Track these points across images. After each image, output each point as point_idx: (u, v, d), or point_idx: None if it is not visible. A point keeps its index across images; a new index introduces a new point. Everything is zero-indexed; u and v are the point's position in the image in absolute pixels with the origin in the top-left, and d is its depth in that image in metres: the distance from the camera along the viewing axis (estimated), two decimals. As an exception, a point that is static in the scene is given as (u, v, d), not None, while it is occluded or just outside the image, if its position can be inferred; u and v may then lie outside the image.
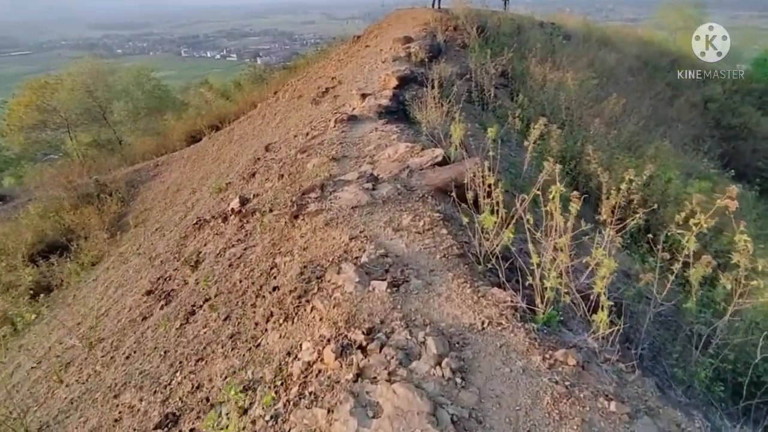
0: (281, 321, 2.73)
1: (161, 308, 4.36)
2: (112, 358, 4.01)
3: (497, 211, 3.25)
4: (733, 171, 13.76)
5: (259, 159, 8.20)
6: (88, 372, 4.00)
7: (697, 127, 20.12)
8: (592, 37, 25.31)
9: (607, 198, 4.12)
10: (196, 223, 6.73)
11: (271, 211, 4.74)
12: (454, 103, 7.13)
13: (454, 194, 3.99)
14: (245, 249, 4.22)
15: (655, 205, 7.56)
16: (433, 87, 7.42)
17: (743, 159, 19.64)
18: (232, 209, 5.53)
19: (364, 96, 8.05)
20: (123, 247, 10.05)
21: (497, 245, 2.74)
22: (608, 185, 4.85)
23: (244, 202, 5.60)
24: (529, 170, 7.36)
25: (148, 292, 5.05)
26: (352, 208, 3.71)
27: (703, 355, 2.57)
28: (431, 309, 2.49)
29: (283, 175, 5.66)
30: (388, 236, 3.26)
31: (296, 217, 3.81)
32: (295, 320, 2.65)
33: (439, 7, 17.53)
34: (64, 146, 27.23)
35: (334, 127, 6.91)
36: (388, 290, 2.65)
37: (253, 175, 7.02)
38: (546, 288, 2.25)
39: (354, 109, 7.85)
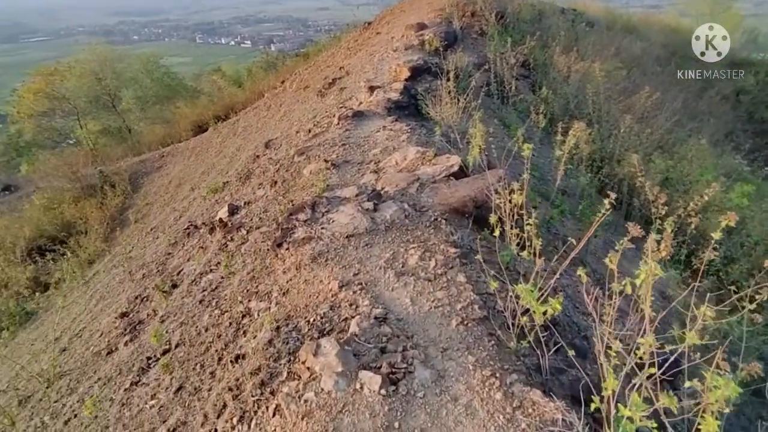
0: (235, 421, 2.09)
1: (125, 344, 3.79)
2: (62, 406, 3.46)
3: (532, 250, 2.57)
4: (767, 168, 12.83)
5: (258, 157, 7.59)
6: (35, 423, 3.46)
7: (728, 122, 18.93)
8: (616, 24, 24.13)
9: (661, 226, 3.41)
10: (187, 229, 6.17)
11: (258, 228, 4.11)
12: (472, 98, 6.40)
13: (473, 217, 3.32)
14: (222, 279, 3.61)
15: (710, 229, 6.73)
16: (448, 79, 6.70)
17: (778, 155, 18.42)
18: (220, 219, 4.92)
19: (372, 89, 7.35)
20: (119, 247, 9.58)
21: (536, 316, 2.02)
22: (658, 208, 4.08)
23: (233, 211, 4.98)
24: (554, 175, 6.63)
25: (122, 315, 4.49)
26: (347, 237, 3.05)
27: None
28: (444, 429, 1.80)
29: (276, 182, 5.02)
30: (389, 284, 2.58)
31: (280, 245, 3.17)
32: (252, 425, 2.01)
33: None
34: (74, 134, 26.95)
35: (338, 124, 6.24)
36: (383, 391, 1.95)
37: (249, 177, 6.40)
38: (622, 418, 1.55)
39: (361, 103, 7.16)
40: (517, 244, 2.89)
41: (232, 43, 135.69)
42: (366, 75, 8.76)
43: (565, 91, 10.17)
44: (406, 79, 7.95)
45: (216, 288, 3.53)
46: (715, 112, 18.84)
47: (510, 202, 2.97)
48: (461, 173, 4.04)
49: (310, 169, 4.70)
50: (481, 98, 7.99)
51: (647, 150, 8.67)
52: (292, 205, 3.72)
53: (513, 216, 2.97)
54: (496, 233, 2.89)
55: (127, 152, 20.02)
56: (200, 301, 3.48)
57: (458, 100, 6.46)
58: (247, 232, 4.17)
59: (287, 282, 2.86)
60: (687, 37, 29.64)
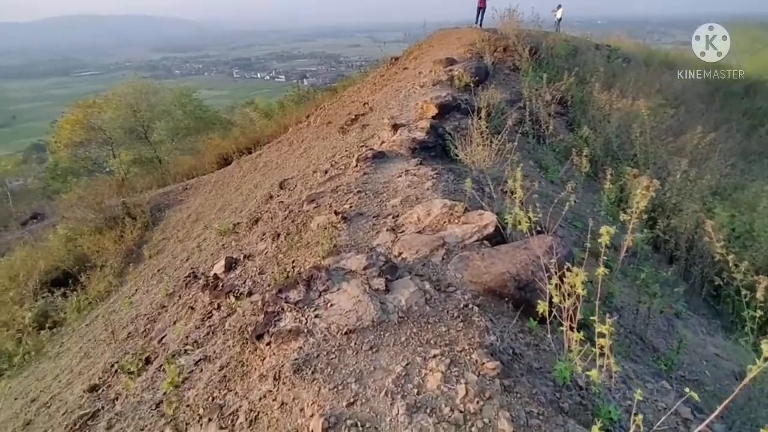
0: None
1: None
2: None
3: (602, 364, 1.80)
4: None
5: (271, 197, 7.07)
6: None
7: (781, 161, 17.49)
8: (654, 60, 23.31)
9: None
10: (187, 277, 5.58)
11: (249, 295, 3.46)
12: (507, 139, 5.70)
13: (514, 302, 2.56)
14: (192, 369, 2.92)
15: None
16: (479, 117, 6.06)
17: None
18: (215, 275, 4.30)
19: (396, 127, 6.75)
20: (126, 287, 9.13)
21: None
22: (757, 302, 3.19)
23: (230, 266, 4.36)
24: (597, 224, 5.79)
25: (91, 389, 3.87)
26: (345, 333, 2.32)
27: None
28: None
29: (279, 235, 4.39)
30: (396, 427, 1.81)
31: (261, 336, 2.47)
32: None
33: (481, 26, 16.22)
34: (107, 163, 27.55)
35: (356, 166, 5.63)
36: None
37: (257, 221, 5.82)
38: None
39: (383, 143, 6.57)
40: (580, 351, 2.09)
41: (267, 77, 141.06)
42: (390, 112, 8.22)
43: (606, 130, 9.35)
44: (433, 117, 7.36)
45: (182, 383, 2.84)
46: (766, 152, 17.49)
47: (568, 294, 2.20)
48: (497, 236, 3.29)
49: (318, 222, 4.05)
50: (516, 138, 7.29)
51: (704, 197, 7.71)
52: (287, 274, 3.03)
53: (572, 312, 2.18)
54: (550, 337, 2.11)
55: (153, 183, 20.07)
56: (157, 405, 2.78)
57: (491, 141, 5.78)
58: (237, 298, 3.51)
59: (260, 400, 2.13)
60: (729, 73, 28.37)
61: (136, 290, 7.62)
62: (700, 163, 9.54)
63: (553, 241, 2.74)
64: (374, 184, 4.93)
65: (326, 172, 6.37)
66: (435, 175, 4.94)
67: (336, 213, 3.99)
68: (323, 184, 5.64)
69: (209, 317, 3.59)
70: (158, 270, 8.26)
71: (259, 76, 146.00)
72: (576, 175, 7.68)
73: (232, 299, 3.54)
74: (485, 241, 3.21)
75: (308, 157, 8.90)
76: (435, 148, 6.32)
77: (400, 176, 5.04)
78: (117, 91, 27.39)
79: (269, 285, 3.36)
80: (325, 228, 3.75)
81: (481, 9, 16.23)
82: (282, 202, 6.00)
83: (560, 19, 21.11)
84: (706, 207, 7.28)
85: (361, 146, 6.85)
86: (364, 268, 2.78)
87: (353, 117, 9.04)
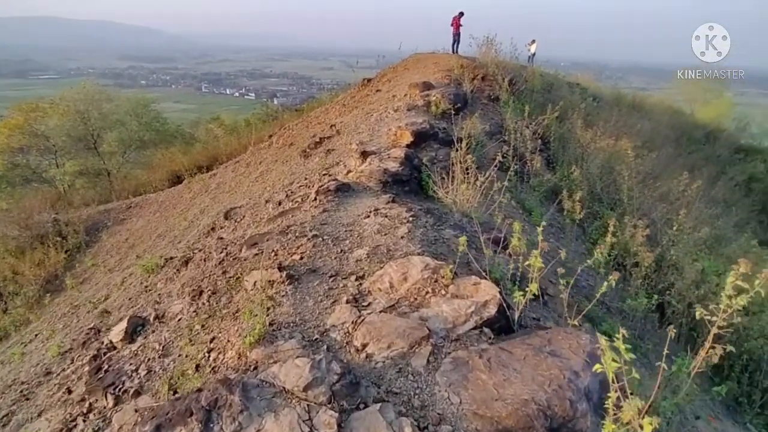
0: None
1: None
2: None
3: None
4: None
5: (212, 230, 5.94)
6: None
7: (744, 211, 17.70)
8: (623, 102, 23.71)
9: None
10: (91, 330, 4.33)
11: (137, 394, 2.34)
12: (494, 177, 4.84)
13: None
14: None
15: None
16: (459, 148, 5.25)
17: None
18: (110, 344, 3.13)
19: (365, 154, 5.82)
20: (30, 327, 7.65)
21: None
22: None
23: (132, 331, 3.20)
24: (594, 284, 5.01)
25: None
26: None
27: None
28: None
29: (203, 292, 3.29)
30: None
31: None
32: None
33: (457, 53, 15.81)
34: (47, 173, 25.23)
35: (315, 200, 4.62)
36: None
37: (188, 262, 4.65)
38: None
39: (349, 172, 5.60)
40: None
41: (237, 94, 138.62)
42: (360, 136, 7.29)
43: (590, 171, 8.74)
44: (407, 146, 6.49)
45: None
46: (730, 201, 17.67)
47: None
48: (501, 319, 2.33)
49: (255, 280, 2.99)
50: (498, 174, 6.46)
51: (691, 250, 7.07)
52: (196, 368, 1.92)
53: None
54: None
55: (95, 198, 18.24)
56: None
57: (476, 177, 4.91)
58: (116, 400, 2.38)
59: None
60: (690, 119, 29.44)
61: (36, 335, 6.21)
62: (685, 212, 9.04)
63: (592, 342, 1.79)
64: (335, 225, 3.92)
65: (279, 203, 5.32)
66: (411, 218, 3.97)
67: (280, 268, 2.94)
68: (273, 219, 4.58)
69: (73, 428, 2.43)
70: (72, 308, 6.87)
71: (228, 92, 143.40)
72: (562, 220, 6.93)
73: (110, 402, 2.40)
74: (485, 328, 2.24)
75: (264, 182, 7.81)
76: (410, 182, 5.41)
77: (368, 216, 4.06)
78: (66, 95, 25.33)
79: (164, 380, 2.25)
80: (264, 290, 2.70)
81: (456, 35, 15.85)
82: (222, 238, 4.88)
83: (534, 54, 21.12)
84: (693, 261, 6.63)
85: (324, 174, 5.86)
86: (306, 387, 1.74)
87: (318, 140, 8.05)
